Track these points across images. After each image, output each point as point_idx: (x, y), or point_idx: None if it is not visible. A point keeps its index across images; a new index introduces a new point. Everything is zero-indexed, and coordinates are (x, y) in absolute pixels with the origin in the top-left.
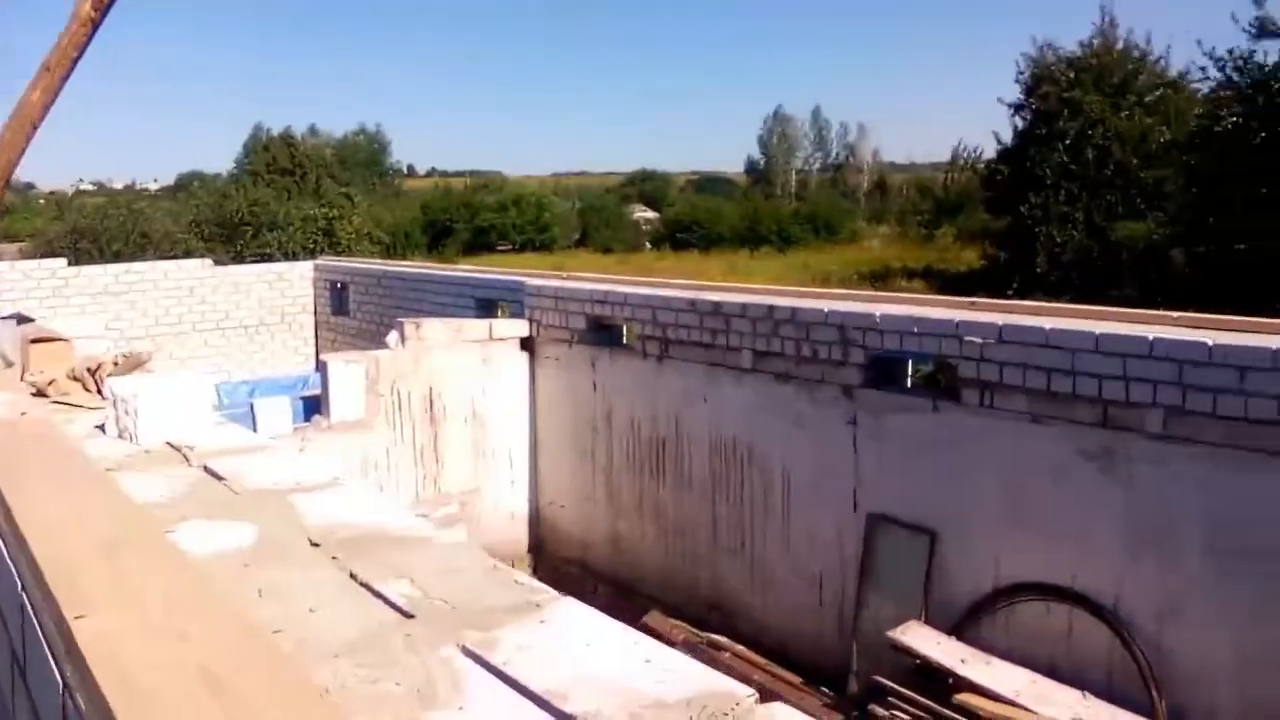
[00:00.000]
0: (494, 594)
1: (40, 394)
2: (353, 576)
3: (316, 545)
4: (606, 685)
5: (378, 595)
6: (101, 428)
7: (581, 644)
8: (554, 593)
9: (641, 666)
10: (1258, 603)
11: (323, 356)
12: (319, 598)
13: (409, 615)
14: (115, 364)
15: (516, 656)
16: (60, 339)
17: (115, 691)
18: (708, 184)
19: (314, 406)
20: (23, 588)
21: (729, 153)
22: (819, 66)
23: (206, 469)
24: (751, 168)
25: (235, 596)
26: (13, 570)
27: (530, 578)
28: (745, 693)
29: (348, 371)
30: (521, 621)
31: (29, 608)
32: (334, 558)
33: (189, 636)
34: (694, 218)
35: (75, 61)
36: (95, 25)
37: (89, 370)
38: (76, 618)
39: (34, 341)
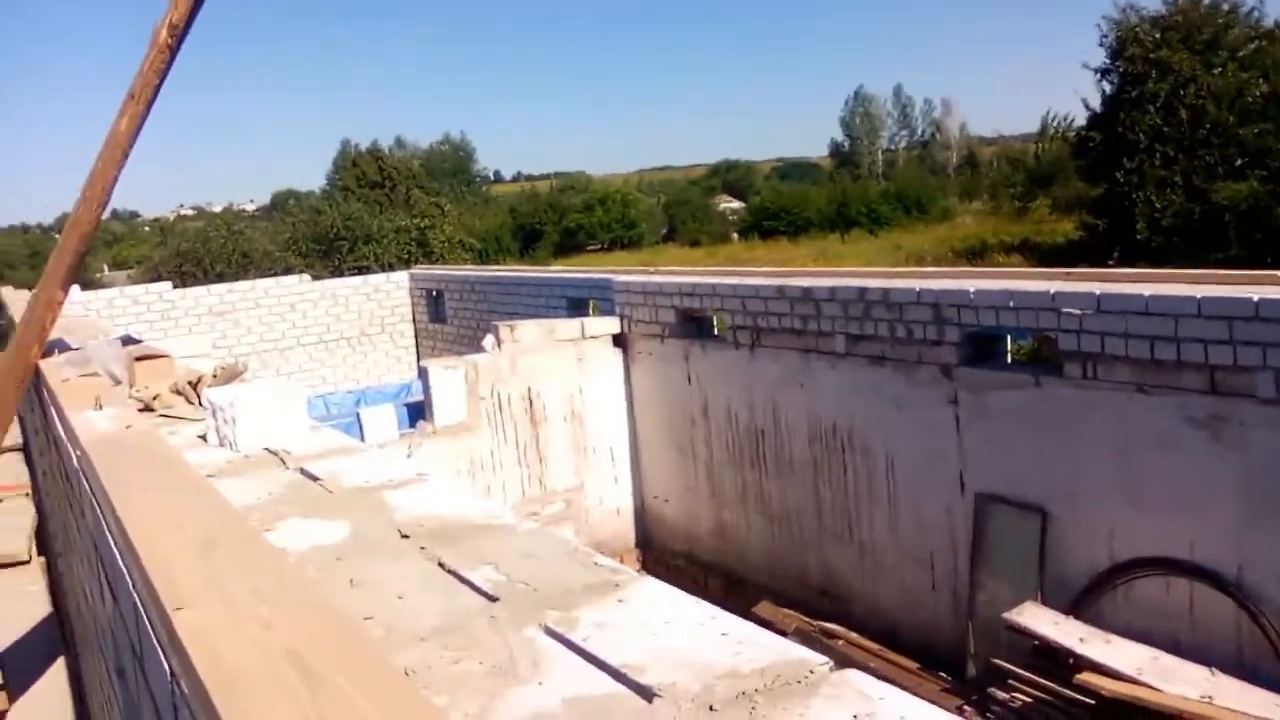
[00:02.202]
0: (574, 575)
1: (146, 408)
2: (440, 565)
3: (406, 537)
4: (683, 659)
5: (464, 581)
6: (203, 437)
7: (659, 620)
8: (632, 572)
9: (717, 639)
10: None
11: (423, 363)
12: (407, 586)
13: (493, 599)
14: (214, 376)
15: (595, 634)
16: (163, 355)
17: (210, 675)
18: (792, 170)
19: (417, 412)
20: (134, 586)
21: (812, 137)
22: (896, 44)
23: (303, 471)
24: (836, 150)
25: (328, 587)
26: (125, 573)
27: (609, 559)
28: (819, 661)
29: (447, 377)
30: (601, 601)
31: (139, 604)
32: (421, 548)
33: (273, 624)
34: (781, 205)
35: (158, 88)
36: (173, 51)
37: (190, 384)
38: (175, 610)
39: (138, 359)
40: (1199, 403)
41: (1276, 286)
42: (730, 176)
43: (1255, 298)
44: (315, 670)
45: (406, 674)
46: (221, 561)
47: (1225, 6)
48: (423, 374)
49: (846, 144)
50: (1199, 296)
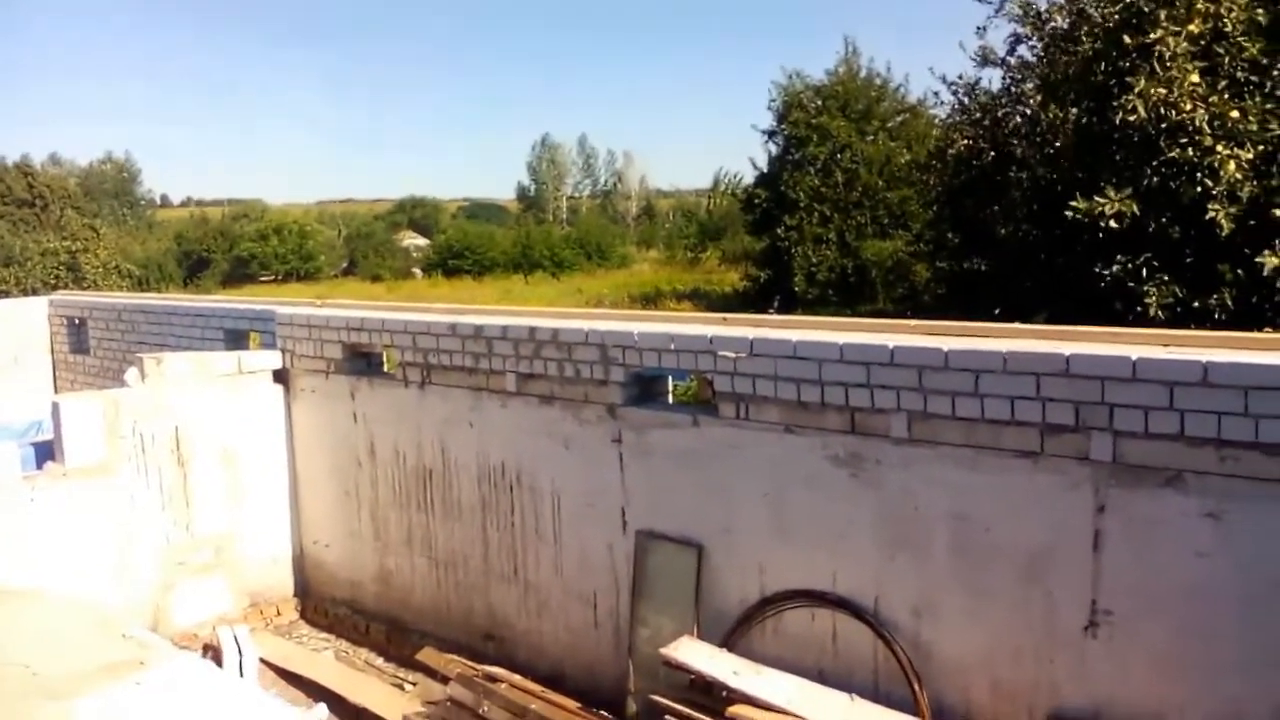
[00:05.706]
0: (94, 654)
1: None
2: None
3: None
4: None
5: None
6: None
7: (179, 706)
8: (168, 648)
9: None
10: (1000, 594)
11: (54, 397)
12: None
13: None
14: None
15: None
16: None
17: None
18: (479, 210)
19: (49, 452)
20: None
21: (499, 180)
22: (583, 95)
23: None
24: (522, 194)
25: None
26: None
27: (147, 632)
28: None
29: (82, 412)
30: (115, 684)
31: None
32: None
33: None
34: (466, 244)
35: None
36: None
37: None
38: None
39: None
40: (840, 442)
41: (909, 335)
42: (416, 213)
43: (891, 345)
44: None
45: None
46: None
47: (877, 81)
48: (54, 409)
49: (533, 189)
50: (841, 343)
